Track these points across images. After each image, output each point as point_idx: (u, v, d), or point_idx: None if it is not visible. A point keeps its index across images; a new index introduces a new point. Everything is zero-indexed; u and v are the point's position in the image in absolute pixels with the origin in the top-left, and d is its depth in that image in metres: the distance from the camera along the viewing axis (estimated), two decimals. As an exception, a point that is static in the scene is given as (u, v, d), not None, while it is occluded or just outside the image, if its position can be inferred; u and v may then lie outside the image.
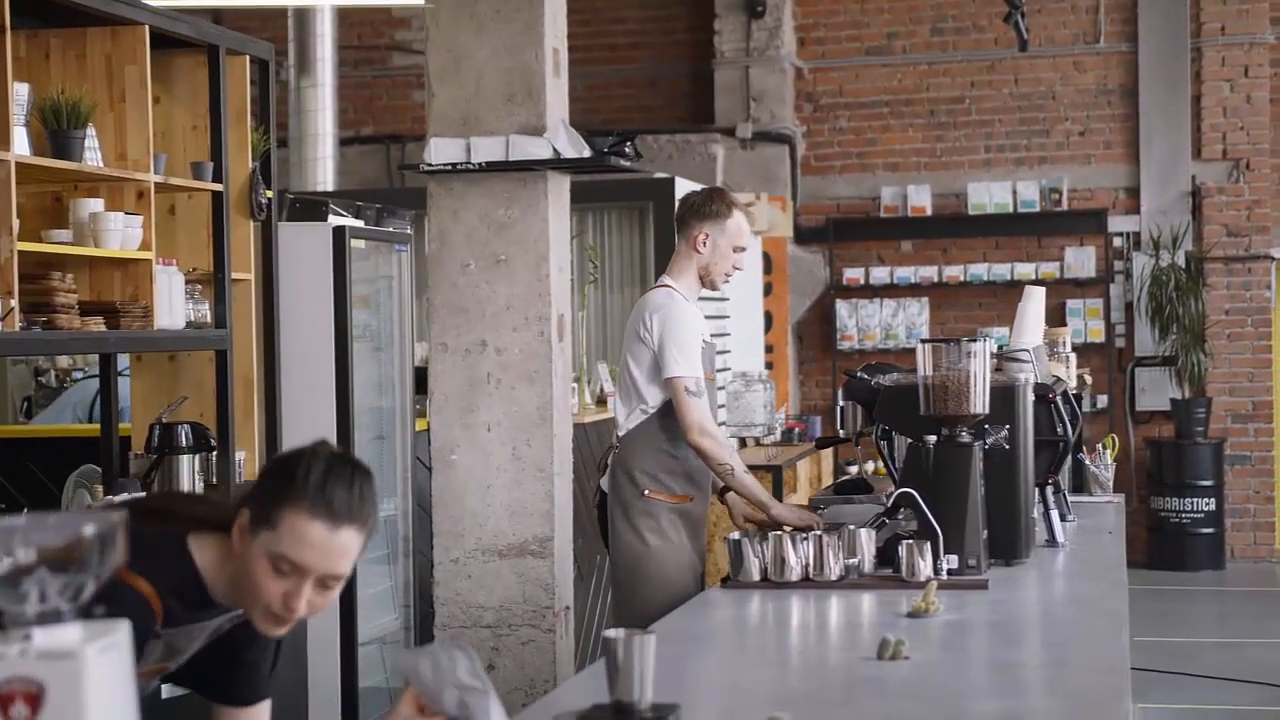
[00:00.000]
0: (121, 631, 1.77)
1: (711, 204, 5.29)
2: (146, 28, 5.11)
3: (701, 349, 5.21)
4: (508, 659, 5.71)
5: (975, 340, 4.42)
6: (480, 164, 5.84)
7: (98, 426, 5.67)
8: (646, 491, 5.18)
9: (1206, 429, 12.26)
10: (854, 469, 12.38)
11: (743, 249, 5.32)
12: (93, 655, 1.71)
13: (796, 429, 11.33)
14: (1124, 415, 12.62)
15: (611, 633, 2.75)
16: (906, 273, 12.78)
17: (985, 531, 4.36)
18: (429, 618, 6.18)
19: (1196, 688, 8.48)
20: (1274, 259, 12.53)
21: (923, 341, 4.46)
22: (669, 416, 5.20)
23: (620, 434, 5.29)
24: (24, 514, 1.76)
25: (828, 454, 11.44)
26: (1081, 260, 12.56)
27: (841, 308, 12.86)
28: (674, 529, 5.17)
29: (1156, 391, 12.51)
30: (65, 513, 1.78)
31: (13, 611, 1.73)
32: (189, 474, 5.33)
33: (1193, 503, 12.15)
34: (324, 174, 10.53)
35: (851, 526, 4.37)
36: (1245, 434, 12.53)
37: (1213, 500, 12.17)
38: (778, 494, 9.07)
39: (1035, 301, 5.53)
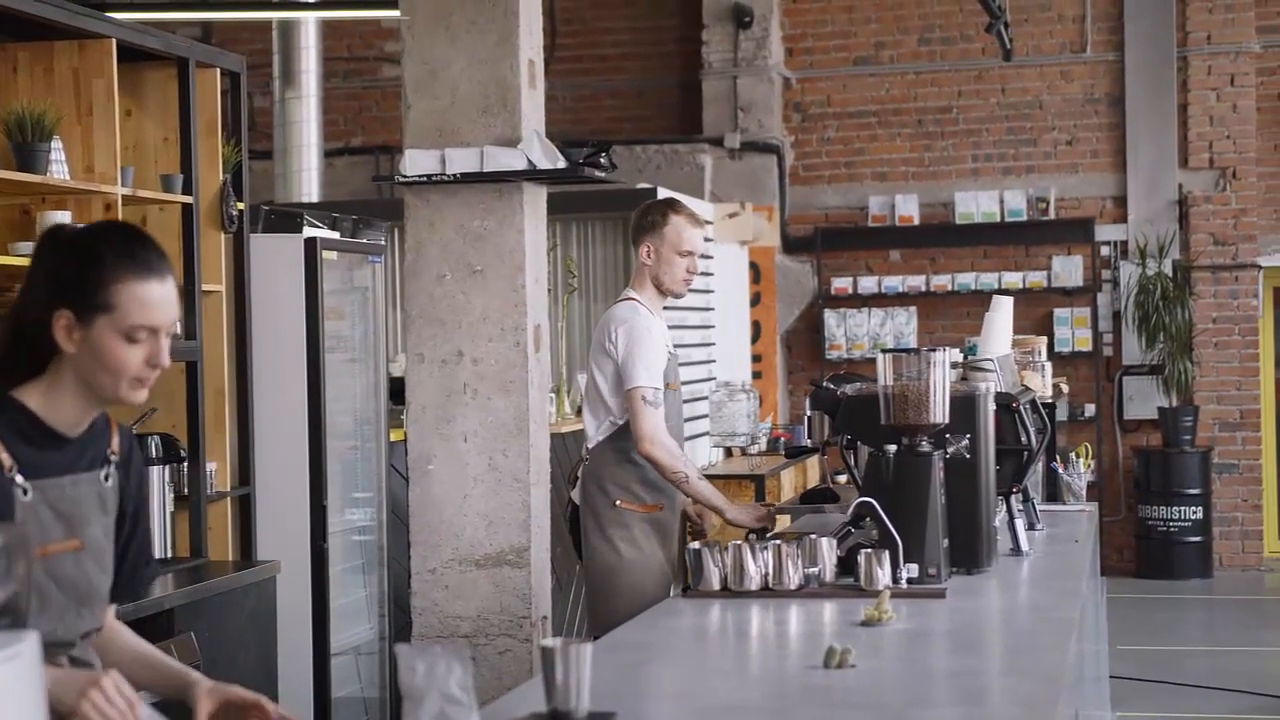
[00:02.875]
0: (28, 642, 1.79)
1: (647, 216, 5.42)
2: (114, 41, 5.14)
3: (667, 359, 5.27)
4: (485, 669, 5.71)
5: (935, 350, 4.43)
6: (455, 175, 5.86)
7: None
8: (618, 502, 5.26)
9: (1194, 437, 12.26)
10: (843, 478, 12.40)
11: (689, 253, 5.37)
12: (-5, 665, 1.73)
13: (783, 438, 11.34)
14: (1112, 424, 12.64)
15: (548, 642, 2.77)
16: (894, 282, 12.80)
17: (946, 540, 4.37)
18: (405, 628, 6.19)
19: (1179, 696, 8.50)
20: (1261, 268, 12.55)
21: (883, 351, 4.48)
22: None
23: (590, 445, 5.37)
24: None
25: (814, 463, 11.45)
26: (1069, 269, 12.57)
27: (830, 317, 12.87)
28: (646, 539, 5.23)
29: (1144, 400, 12.53)
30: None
31: (-84, 622, 1.75)
32: (159, 485, 5.35)
33: (1180, 511, 12.16)
34: (308, 185, 10.56)
35: (813, 535, 4.38)
36: (1233, 442, 12.54)
37: (1200, 509, 12.18)
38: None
39: (1002, 311, 5.55)
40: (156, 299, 2.68)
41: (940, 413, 4.40)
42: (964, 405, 4.54)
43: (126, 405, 2.75)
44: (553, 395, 7.94)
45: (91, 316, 2.65)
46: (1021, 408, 5.06)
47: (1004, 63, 12.16)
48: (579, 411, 8.11)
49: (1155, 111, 12.55)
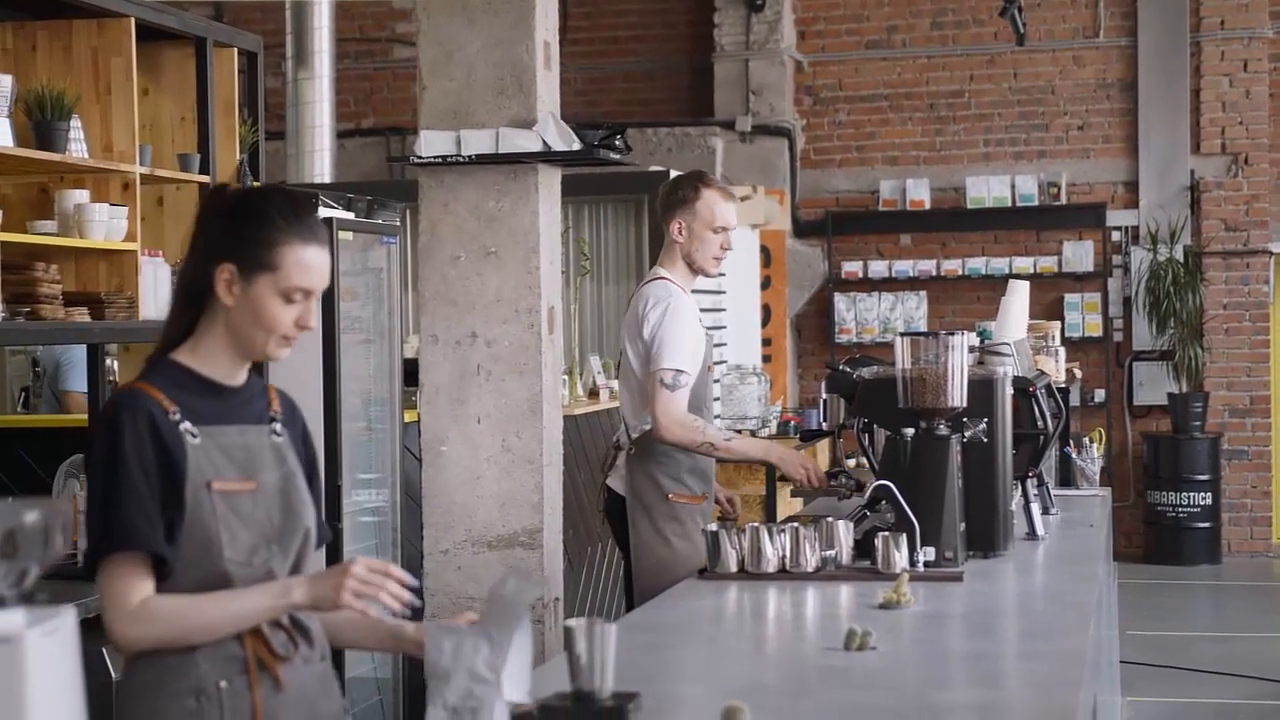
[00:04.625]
0: (65, 618, 1.80)
1: (678, 190, 5.24)
2: (132, 20, 5.13)
3: (703, 340, 5.18)
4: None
5: (954, 334, 4.42)
6: (470, 156, 5.86)
7: (85, 417, 5.69)
8: (671, 495, 5.11)
9: (1204, 423, 12.26)
10: (851, 462, 12.40)
11: (722, 229, 5.21)
12: (35, 640, 1.74)
13: (793, 422, 11.34)
14: (1122, 409, 12.64)
15: (572, 622, 2.77)
16: (905, 266, 12.80)
17: (963, 524, 4.37)
18: (419, 609, 6.19)
19: (1187, 681, 8.50)
20: (1272, 254, 12.53)
21: (901, 334, 4.47)
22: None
23: (634, 435, 5.19)
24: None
25: (825, 446, 11.45)
26: (1080, 254, 12.56)
27: (840, 301, 12.88)
28: (695, 530, 5.10)
29: (1154, 386, 12.52)
30: (7, 501, 1.80)
31: (-45, 596, 1.75)
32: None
33: (1189, 497, 12.17)
34: (321, 166, 10.54)
35: (829, 518, 4.39)
36: (1242, 428, 12.54)
37: (1209, 494, 12.18)
38: (771, 486, 9.07)
39: (1018, 295, 5.55)
40: (316, 263, 2.80)
41: (958, 396, 4.39)
42: (982, 389, 4.53)
43: (269, 361, 2.87)
44: (565, 378, 7.94)
45: (254, 273, 2.77)
46: (1038, 392, 5.06)
47: (1016, 47, 12.15)
48: (592, 394, 8.12)
49: (1167, 97, 12.53)
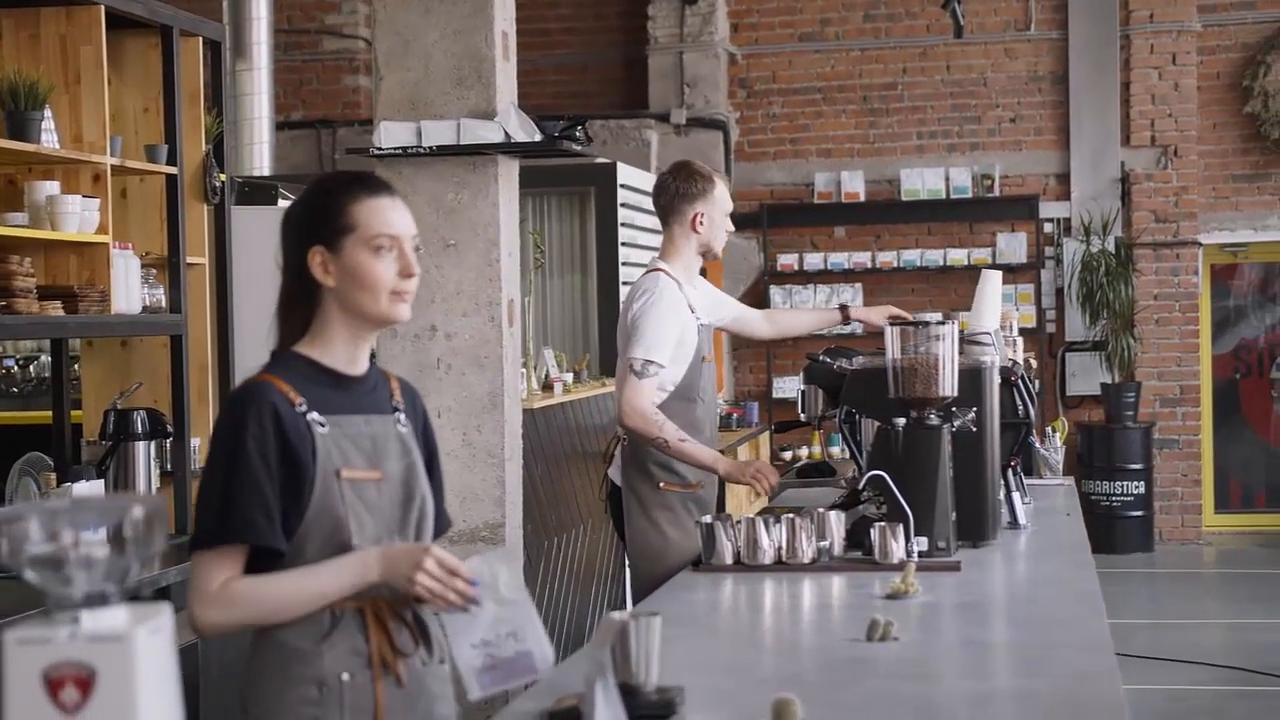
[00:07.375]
0: (165, 614, 1.75)
1: (696, 183, 5.27)
2: (102, 8, 5.03)
3: (698, 329, 5.17)
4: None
5: (944, 323, 4.43)
6: (431, 148, 5.81)
7: (49, 414, 5.58)
8: (662, 484, 5.12)
9: (1136, 413, 12.40)
10: (788, 455, 12.44)
11: (729, 212, 5.38)
12: (143, 637, 1.69)
13: (734, 415, 11.37)
14: (1055, 399, 12.75)
15: (618, 615, 2.74)
16: (840, 259, 12.84)
17: (954, 513, 4.38)
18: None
19: (1123, 668, 8.55)
20: (1201, 245, 12.68)
21: (891, 324, 4.47)
22: (676, 404, 5.10)
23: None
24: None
25: (765, 439, 11.49)
26: (1013, 246, 12.66)
27: (776, 294, 12.89)
28: (688, 518, 5.07)
29: (1087, 376, 12.65)
30: (111, 495, 1.75)
31: (59, 594, 1.70)
32: (144, 460, 5.26)
33: (1122, 486, 12.29)
34: (260, 159, 10.41)
35: (821, 509, 4.38)
36: (1173, 418, 12.68)
37: (1142, 483, 12.32)
38: (720, 483, 9.04)
39: (993, 285, 5.57)
40: (391, 211, 2.84)
41: (949, 386, 4.40)
42: (970, 378, 4.54)
43: (393, 324, 2.88)
44: (522, 372, 7.90)
45: (339, 241, 2.81)
46: (1018, 381, 5.08)
47: (949, 40, 12.21)
48: (546, 387, 8.07)
49: (1098, 89, 12.65)
